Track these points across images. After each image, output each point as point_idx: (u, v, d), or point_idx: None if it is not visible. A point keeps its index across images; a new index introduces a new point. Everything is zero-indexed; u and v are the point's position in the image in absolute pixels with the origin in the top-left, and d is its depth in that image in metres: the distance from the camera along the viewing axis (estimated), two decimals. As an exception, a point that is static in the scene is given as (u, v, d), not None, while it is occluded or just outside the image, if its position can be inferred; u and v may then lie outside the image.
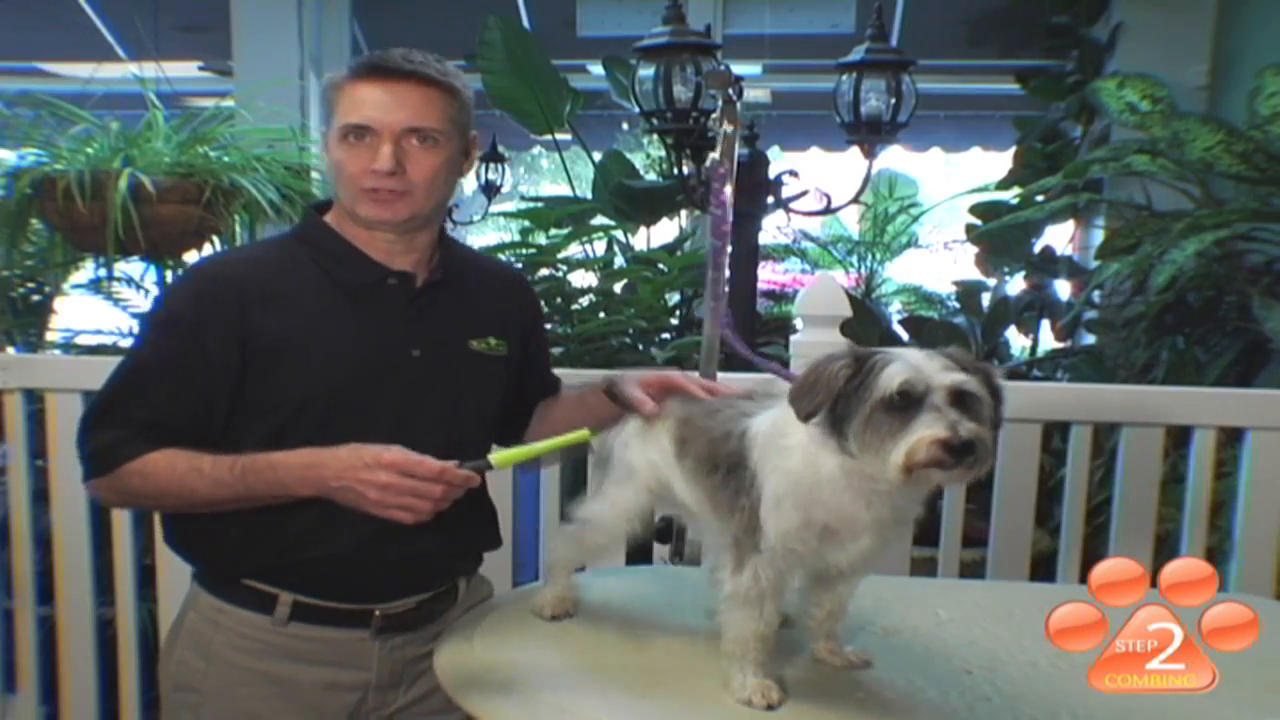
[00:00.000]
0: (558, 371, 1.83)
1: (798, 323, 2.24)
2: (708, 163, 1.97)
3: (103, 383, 1.49)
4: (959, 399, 1.15)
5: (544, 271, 3.28)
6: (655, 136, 2.66)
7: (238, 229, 2.97)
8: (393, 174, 1.45)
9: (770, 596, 1.30)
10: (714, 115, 1.95)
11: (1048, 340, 4.03)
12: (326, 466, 1.38)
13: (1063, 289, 4.08)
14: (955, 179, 5.79)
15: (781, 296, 4.38)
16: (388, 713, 1.58)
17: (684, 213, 3.91)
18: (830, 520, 1.27)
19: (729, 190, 1.89)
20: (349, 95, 1.46)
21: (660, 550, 2.12)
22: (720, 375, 1.92)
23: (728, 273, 1.99)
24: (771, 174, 2.46)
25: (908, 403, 1.14)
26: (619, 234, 3.80)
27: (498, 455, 1.42)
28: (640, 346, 3.16)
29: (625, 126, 5.67)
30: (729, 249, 1.95)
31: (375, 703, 1.57)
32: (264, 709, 1.51)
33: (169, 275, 3.19)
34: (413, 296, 1.54)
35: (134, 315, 3.24)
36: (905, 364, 1.16)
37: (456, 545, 1.58)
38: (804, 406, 1.22)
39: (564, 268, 3.38)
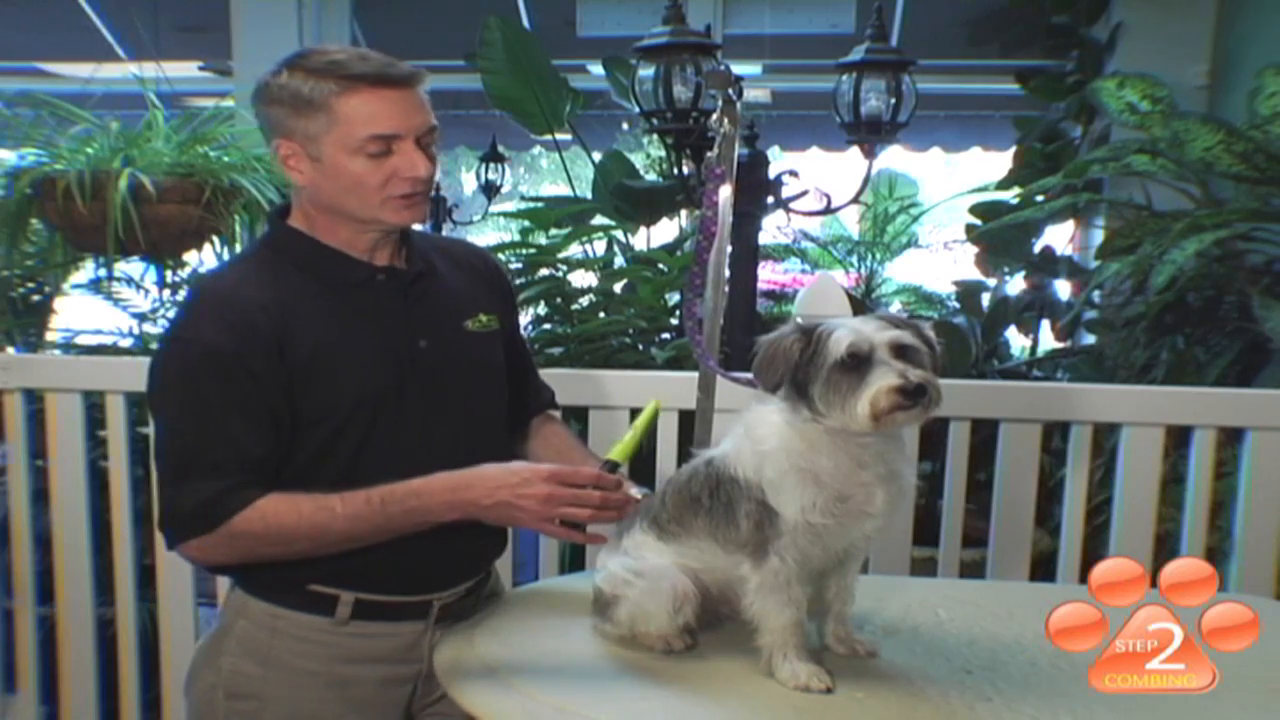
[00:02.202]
0: (559, 373, 1.83)
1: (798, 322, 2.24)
2: (706, 161, 1.97)
3: (159, 443, 1.43)
4: (900, 351, 1.29)
5: (544, 271, 3.28)
6: (655, 136, 2.66)
7: (238, 229, 2.97)
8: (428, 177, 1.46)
9: (796, 580, 1.35)
10: (714, 115, 1.95)
11: (1048, 340, 4.03)
12: (475, 488, 1.39)
13: (1063, 289, 4.08)
14: (955, 179, 5.80)
15: (781, 296, 4.38)
16: (433, 699, 1.58)
17: (684, 213, 3.91)
18: (840, 486, 1.33)
19: (724, 191, 1.89)
20: (361, 105, 1.40)
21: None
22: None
23: (726, 273, 1.99)
24: (771, 174, 2.45)
25: (858, 362, 1.28)
26: (619, 234, 3.80)
27: (615, 451, 1.44)
28: (640, 346, 3.15)
29: (625, 126, 5.67)
30: (727, 248, 1.95)
31: (424, 691, 1.58)
32: (325, 711, 1.52)
33: (169, 275, 3.19)
34: (404, 289, 1.54)
35: (134, 315, 3.24)
36: (848, 329, 1.30)
37: (489, 527, 1.56)
38: (769, 379, 1.35)
39: (564, 268, 3.37)
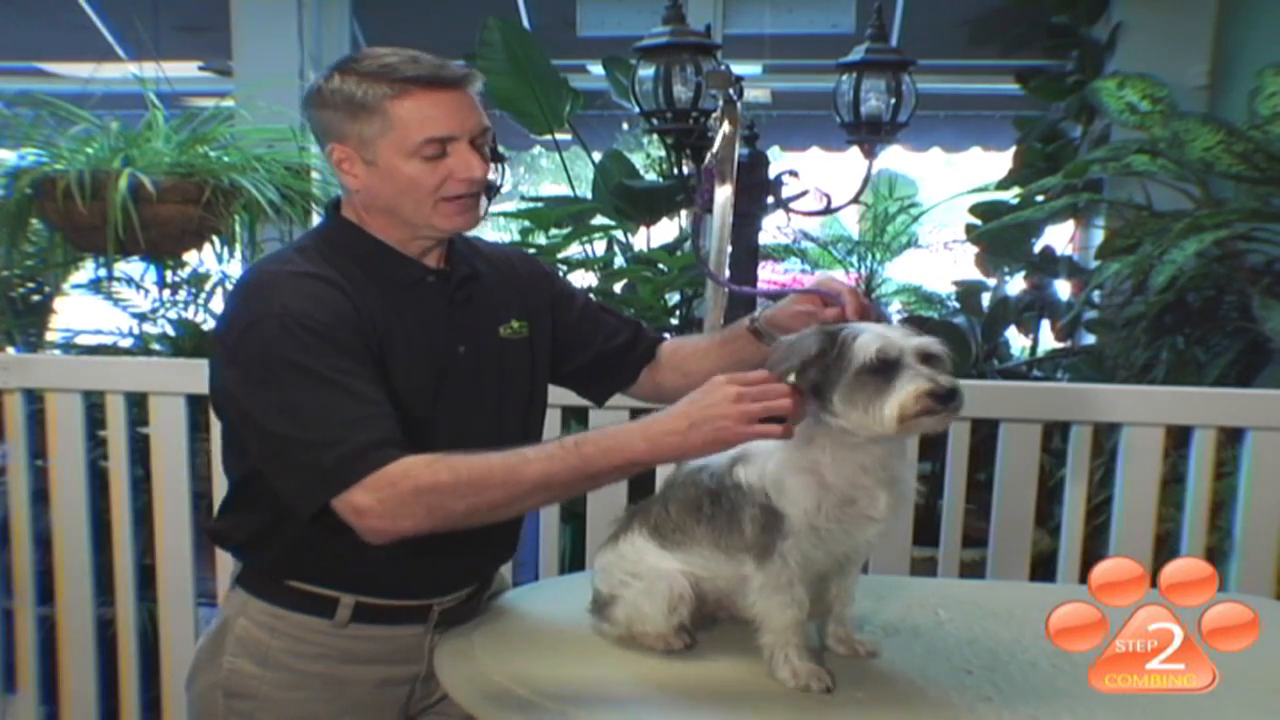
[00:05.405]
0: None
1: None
2: (706, 160, 1.98)
3: (275, 424, 1.33)
4: (926, 358, 1.30)
5: (544, 272, 3.28)
6: (655, 136, 2.66)
7: (238, 229, 2.98)
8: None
9: (798, 581, 1.36)
10: (714, 115, 1.95)
11: (1048, 340, 4.03)
12: (664, 418, 1.30)
13: (1063, 289, 4.08)
14: (955, 179, 5.78)
15: (781, 297, 4.36)
16: (432, 700, 1.59)
17: (684, 213, 3.90)
18: (844, 488, 1.33)
19: (724, 191, 1.90)
20: (415, 108, 1.40)
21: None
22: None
23: (726, 273, 1.99)
24: (771, 174, 2.45)
25: (885, 365, 1.28)
26: (619, 234, 3.79)
27: None
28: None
29: (625, 126, 5.66)
30: (727, 249, 1.95)
31: (421, 693, 1.59)
32: (322, 710, 1.52)
33: (169, 275, 3.19)
34: (450, 293, 1.54)
35: (134, 315, 3.24)
36: (875, 333, 1.31)
37: (497, 529, 1.53)
38: (779, 369, 1.33)
39: (564, 268, 3.37)
